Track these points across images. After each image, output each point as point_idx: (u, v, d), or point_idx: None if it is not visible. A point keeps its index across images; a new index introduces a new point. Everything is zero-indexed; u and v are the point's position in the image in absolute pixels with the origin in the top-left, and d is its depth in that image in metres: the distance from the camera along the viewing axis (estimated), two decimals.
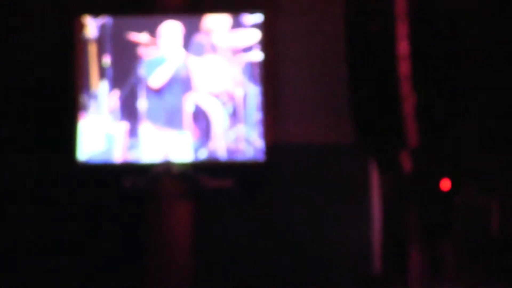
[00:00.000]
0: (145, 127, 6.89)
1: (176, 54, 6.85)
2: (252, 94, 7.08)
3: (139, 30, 7.13)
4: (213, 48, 7.06)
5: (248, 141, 7.01)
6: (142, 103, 6.92)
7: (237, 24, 7.11)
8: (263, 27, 6.93)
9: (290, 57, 7.08)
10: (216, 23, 7.02)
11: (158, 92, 6.87)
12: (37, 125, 6.90)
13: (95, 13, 6.87)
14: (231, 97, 7.06)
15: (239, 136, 7.02)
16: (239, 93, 7.04)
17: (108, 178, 6.76)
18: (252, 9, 6.89)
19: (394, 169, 5.56)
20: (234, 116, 7.07)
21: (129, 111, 7.11)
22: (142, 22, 7.10)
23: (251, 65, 7.06)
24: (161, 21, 6.97)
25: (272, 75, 6.95)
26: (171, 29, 6.88)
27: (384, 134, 5.44)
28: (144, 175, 6.68)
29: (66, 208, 6.82)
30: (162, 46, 6.86)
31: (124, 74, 7.14)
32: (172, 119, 6.90)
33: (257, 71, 7.05)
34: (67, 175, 6.81)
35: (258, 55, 7.01)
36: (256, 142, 6.96)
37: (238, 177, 6.78)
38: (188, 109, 6.89)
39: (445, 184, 6.01)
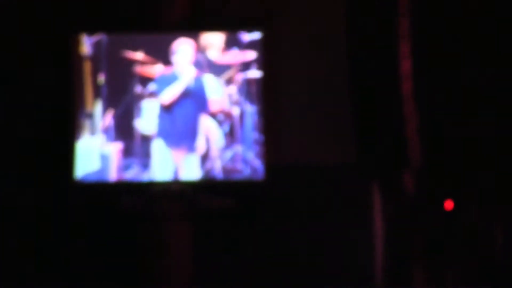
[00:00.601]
0: (156, 144, 6.83)
1: (187, 71, 6.86)
2: (249, 113, 6.97)
3: (135, 47, 7.04)
4: (209, 66, 6.98)
5: (245, 160, 6.90)
6: (151, 121, 6.81)
7: (233, 42, 7.00)
8: (262, 45, 6.89)
9: (289, 75, 7.03)
10: (211, 40, 6.93)
11: (169, 109, 6.83)
12: (33, 145, 6.83)
13: (92, 30, 6.78)
14: (228, 116, 6.98)
15: (235, 156, 6.93)
16: (235, 112, 6.94)
17: (105, 197, 6.68)
18: (250, 27, 6.82)
19: (397, 190, 5.66)
20: (231, 135, 6.98)
21: (124, 130, 6.99)
22: (139, 39, 7.00)
23: (248, 83, 6.98)
24: (161, 39, 6.91)
25: (271, 94, 6.91)
26: (183, 46, 6.86)
27: (387, 154, 5.57)
28: (142, 195, 6.62)
29: (62, 227, 6.74)
30: (174, 63, 6.86)
31: (119, 92, 7.03)
32: (184, 138, 6.85)
33: (254, 89, 6.97)
34: (64, 194, 6.75)
35: (255, 73, 6.93)
36: (253, 161, 6.86)
37: (238, 197, 6.74)
38: (201, 128, 6.78)
39: (449, 205, 5.83)
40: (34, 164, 6.64)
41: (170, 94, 6.71)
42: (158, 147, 6.70)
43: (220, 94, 6.91)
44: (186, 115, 6.77)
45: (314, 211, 6.62)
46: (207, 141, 6.82)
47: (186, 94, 6.75)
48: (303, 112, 6.86)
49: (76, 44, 6.73)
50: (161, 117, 6.74)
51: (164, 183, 6.67)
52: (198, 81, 6.76)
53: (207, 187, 6.66)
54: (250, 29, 6.71)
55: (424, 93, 5.48)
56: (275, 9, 6.67)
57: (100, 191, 6.61)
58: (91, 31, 6.72)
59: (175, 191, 6.58)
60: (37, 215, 6.55)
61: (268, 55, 6.75)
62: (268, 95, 6.80)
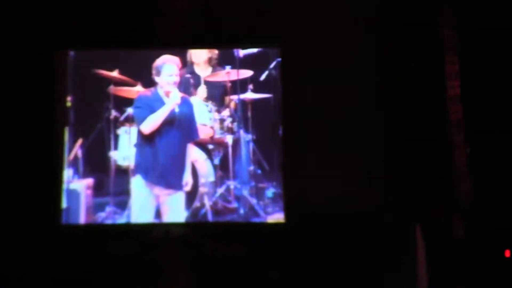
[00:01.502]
0: (135, 182, 6.27)
1: (173, 94, 6.30)
2: (244, 141, 6.58)
3: (109, 65, 6.55)
4: (198, 86, 6.62)
5: (239, 198, 6.52)
6: (128, 152, 6.37)
7: (226, 58, 6.64)
8: (280, 63, 6.48)
9: (312, 99, 6.59)
10: (201, 56, 6.61)
11: (151, 139, 6.25)
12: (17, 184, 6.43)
13: (70, 46, 6.44)
14: (219, 146, 6.58)
15: (228, 193, 6.53)
16: (228, 141, 6.55)
17: (91, 242, 6.30)
18: (268, 42, 6.43)
19: (443, 233, 5.37)
20: (223, 168, 6.54)
21: (95, 163, 6.53)
22: (114, 56, 6.54)
23: (243, 106, 6.58)
24: (141, 55, 6.42)
25: (290, 119, 6.46)
26: (168, 63, 6.31)
27: (431, 193, 5.26)
28: (135, 240, 6.15)
29: (47, 275, 6.34)
30: (158, 84, 6.24)
31: (90, 117, 6.56)
32: (168, 173, 6.26)
33: (250, 113, 6.56)
34: (48, 239, 6.37)
35: (251, 95, 6.59)
36: (250, 199, 6.48)
37: (252, 242, 6.23)
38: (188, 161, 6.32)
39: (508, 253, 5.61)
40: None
41: (152, 121, 6.16)
42: (136, 184, 6.25)
43: (210, 119, 6.54)
44: (170, 146, 6.26)
45: (348, 258, 6.21)
46: (194, 175, 6.42)
47: (171, 121, 6.23)
48: (329, 145, 6.51)
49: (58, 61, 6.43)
50: (140, 148, 6.25)
51: (163, 226, 6.19)
52: (184, 104, 6.27)
53: (213, 230, 6.30)
54: (267, 45, 6.43)
55: (474, 120, 5.28)
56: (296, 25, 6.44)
57: (82, 234, 6.31)
58: (70, 47, 6.45)
59: (176, 235, 6.12)
60: (16, 260, 6.29)
61: (286, 74, 6.44)
62: (287, 121, 6.40)
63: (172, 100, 6.22)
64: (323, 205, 6.34)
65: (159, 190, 6.25)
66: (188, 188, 6.27)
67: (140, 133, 6.24)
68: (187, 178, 6.28)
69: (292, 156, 6.44)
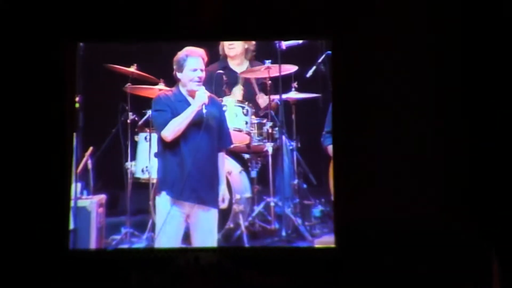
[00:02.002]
0: (159, 201, 6.00)
1: (199, 92, 5.99)
2: (287, 150, 6.53)
3: (126, 58, 6.46)
4: (232, 84, 6.63)
5: (281, 217, 6.38)
6: (148, 163, 6.34)
7: (266, 51, 6.61)
8: (330, 56, 6.29)
9: (366, 101, 6.33)
10: (237, 49, 6.66)
11: (175, 147, 5.98)
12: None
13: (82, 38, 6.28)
14: (257, 156, 6.56)
15: (267, 212, 6.43)
16: (268, 149, 6.47)
17: (103, 271, 6.08)
18: (316, 33, 6.27)
19: None
20: (261, 182, 6.50)
21: (108, 176, 6.47)
22: (129, 48, 6.49)
23: (286, 108, 6.51)
24: (165, 49, 6.19)
25: (341, 126, 6.22)
26: (192, 56, 6.01)
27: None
28: (159, 269, 5.83)
29: None
30: (183, 81, 5.98)
31: (102, 121, 6.46)
32: (199, 186, 5.99)
33: (295, 117, 6.48)
34: (53, 267, 6.14)
35: (296, 95, 6.51)
36: (294, 219, 6.37)
37: (296, 271, 5.97)
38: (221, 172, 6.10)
39: None
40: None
41: (174, 126, 5.90)
42: (161, 203, 5.99)
43: (247, 124, 6.48)
44: (199, 153, 5.95)
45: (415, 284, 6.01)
46: (228, 190, 6.20)
47: (197, 123, 5.95)
48: (388, 156, 6.29)
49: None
50: (162, 158, 6.00)
51: (190, 252, 5.87)
52: (213, 105, 6.04)
53: (248, 257, 6.13)
54: (315, 36, 6.35)
55: None
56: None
57: (93, 261, 6.16)
58: (82, 38, 6.30)
59: (206, 263, 5.75)
60: None
61: (337, 70, 6.21)
62: (338, 126, 6.19)
63: (198, 100, 5.88)
64: (381, 226, 6.17)
65: (189, 208, 5.90)
66: (225, 205, 6.03)
67: (161, 141, 5.92)
68: (224, 193, 6.01)
69: (343, 168, 6.21)
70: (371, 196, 6.22)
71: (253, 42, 6.64)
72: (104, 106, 6.51)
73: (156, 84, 6.38)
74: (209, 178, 5.93)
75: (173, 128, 5.85)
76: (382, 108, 6.31)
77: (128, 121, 6.40)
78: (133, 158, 6.42)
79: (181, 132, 5.86)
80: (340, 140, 6.23)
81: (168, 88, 6.23)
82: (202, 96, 5.87)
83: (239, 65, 6.66)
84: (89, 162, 6.44)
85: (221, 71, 6.51)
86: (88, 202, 6.35)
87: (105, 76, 6.47)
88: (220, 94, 6.45)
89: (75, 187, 6.28)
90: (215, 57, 6.64)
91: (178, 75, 5.91)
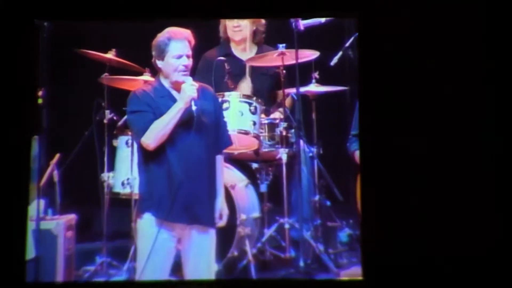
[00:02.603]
0: (142, 223, 5.48)
1: (186, 85, 5.43)
2: (305, 157, 6.18)
3: (102, 42, 6.25)
4: (238, 75, 6.29)
5: (297, 243, 6.01)
6: (122, 175, 6.05)
7: (280, 32, 6.20)
8: (357, 39, 5.87)
9: (403, 96, 5.83)
10: (243, 31, 6.31)
11: (160, 155, 5.45)
12: None
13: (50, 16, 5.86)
14: (268, 164, 6.20)
15: (281, 236, 6.04)
16: (282, 157, 6.08)
17: None
18: (343, 9, 5.82)
19: None
20: (273, 198, 6.16)
21: (79, 190, 6.22)
22: (106, 28, 6.22)
23: (305, 104, 6.15)
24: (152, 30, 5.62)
25: (371, 125, 5.75)
26: (175, 39, 5.50)
27: None
28: None
29: None
30: (165, 71, 5.44)
31: (71, 121, 6.32)
32: (192, 202, 5.45)
33: (315, 116, 6.16)
34: None
35: (317, 88, 6.17)
36: (314, 246, 5.97)
37: None
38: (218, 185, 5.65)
39: None
40: None
41: (157, 130, 5.41)
42: (145, 225, 5.50)
43: (255, 124, 6.15)
44: (190, 159, 5.46)
45: None
46: (231, 209, 5.77)
47: (187, 125, 5.47)
48: (431, 165, 5.80)
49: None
50: (144, 170, 5.52)
51: (182, 287, 5.65)
52: (206, 98, 5.55)
53: None
54: (341, 13, 5.97)
55: None
56: None
57: None
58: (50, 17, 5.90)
59: None
60: None
61: (365, 57, 5.74)
62: (366, 126, 5.74)
63: (184, 95, 5.35)
64: (420, 257, 5.79)
65: (180, 230, 5.38)
66: (223, 223, 5.51)
67: (142, 149, 5.42)
68: (222, 207, 5.48)
69: (373, 181, 5.72)
70: (408, 217, 5.87)
71: (263, 22, 6.41)
72: (75, 102, 6.40)
73: (140, 74, 6.10)
74: (205, 190, 5.41)
75: (156, 133, 5.33)
76: (422, 106, 5.89)
77: (105, 121, 6.16)
78: (111, 168, 6.18)
79: (167, 136, 5.30)
80: (368, 145, 5.84)
81: (145, 82, 5.87)
82: (190, 89, 5.31)
83: (245, 51, 6.36)
84: (55, 173, 6.13)
85: (222, 58, 6.20)
86: (53, 224, 6.02)
87: (76, 64, 6.29)
88: (221, 88, 6.14)
89: (37, 205, 5.97)
90: (210, 41, 6.43)
91: (159, 63, 5.36)
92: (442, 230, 6.14)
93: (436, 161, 6.06)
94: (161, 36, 5.45)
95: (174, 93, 5.48)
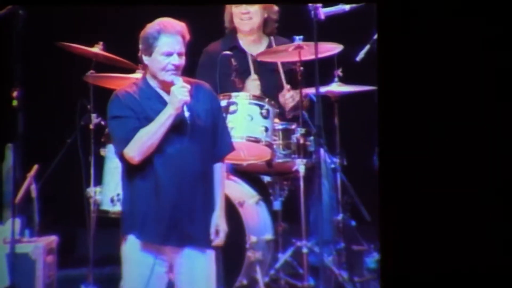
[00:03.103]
0: (127, 247, 4.93)
1: (176, 86, 4.88)
2: (326, 170, 5.79)
3: (87, 33, 5.93)
4: (245, 72, 5.86)
5: (318, 269, 5.48)
6: (111, 190, 5.61)
7: (297, 21, 5.74)
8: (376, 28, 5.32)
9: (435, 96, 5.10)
10: (253, 19, 5.83)
11: (146, 167, 4.90)
12: None
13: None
14: (281, 178, 5.79)
15: (297, 261, 5.60)
16: (299, 169, 5.65)
17: None
18: None
19: None
20: (289, 218, 5.78)
21: (62, 207, 6.24)
22: (91, 16, 6.19)
23: (326, 106, 5.75)
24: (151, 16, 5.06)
25: (392, 133, 5.12)
26: (166, 33, 4.96)
27: None
28: None
29: None
30: (152, 69, 4.91)
31: (51, 125, 6.28)
32: (183, 220, 4.90)
33: (342, 119, 5.93)
34: None
35: (341, 87, 5.87)
36: (336, 273, 5.61)
37: None
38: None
39: None
40: None
41: (142, 142, 4.88)
42: (129, 250, 4.93)
43: (267, 130, 5.66)
44: (184, 174, 4.88)
45: None
46: (239, 229, 5.53)
47: (178, 132, 4.90)
48: (463, 179, 5.00)
49: None
50: (128, 186, 5.00)
51: None
52: (201, 97, 4.98)
53: None
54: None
55: None
56: None
57: None
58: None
59: None
60: None
61: (388, 51, 5.02)
62: (388, 133, 5.07)
63: (175, 99, 4.82)
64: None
65: (171, 254, 4.84)
66: (219, 241, 4.90)
67: (125, 162, 4.95)
68: (219, 222, 4.91)
69: (394, 198, 5.07)
70: (435, 239, 5.02)
71: (276, 8, 6.04)
72: (55, 103, 6.30)
73: (132, 71, 5.69)
74: (199, 205, 4.86)
75: (141, 145, 4.82)
76: (452, 111, 5.10)
77: (91, 126, 5.75)
78: (98, 181, 5.77)
79: (154, 148, 4.81)
80: (387, 156, 5.09)
81: (129, 82, 5.33)
82: (180, 91, 4.78)
83: (255, 43, 5.98)
84: (33, 187, 5.85)
85: (228, 53, 5.76)
86: (31, 247, 5.70)
87: (56, 59, 6.10)
88: (227, 87, 5.69)
89: (12, 225, 5.47)
90: (213, 32, 6.11)
91: (145, 59, 4.84)
92: (475, 253, 5.99)
93: (468, 178, 5.22)
94: (150, 28, 4.94)
95: (162, 94, 4.98)
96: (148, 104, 4.95)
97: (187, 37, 4.98)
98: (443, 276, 5.23)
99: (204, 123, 4.99)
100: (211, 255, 4.99)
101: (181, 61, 4.93)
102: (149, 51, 4.94)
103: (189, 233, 4.93)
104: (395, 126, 5.50)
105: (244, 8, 6.04)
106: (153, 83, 4.99)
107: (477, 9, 5.45)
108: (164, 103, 4.96)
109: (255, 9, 6.06)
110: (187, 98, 4.89)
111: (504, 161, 5.50)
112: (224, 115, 5.82)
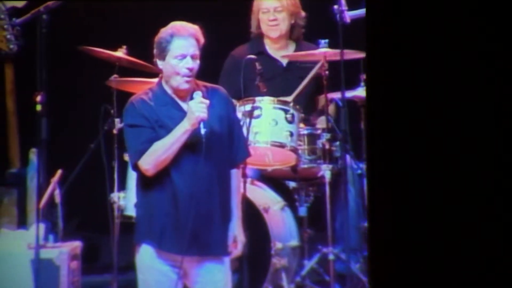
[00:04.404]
0: (141, 256, 4.96)
1: (195, 101, 4.81)
2: (353, 176, 5.79)
3: (111, 36, 6.16)
4: (271, 77, 5.84)
5: (344, 276, 5.61)
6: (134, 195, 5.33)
7: (323, 25, 5.86)
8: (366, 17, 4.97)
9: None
10: (281, 25, 5.81)
11: (162, 177, 4.91)
12: None
13: None
14: (309, 183, 5.78)
15: (324, 268, 5.62)
16: (325, 175, 5.64)
17: None
18: None
19: None
20: (315, 224, 5.83)
21: (86, 213, 6.38)
22: (113, 17, 6.38)
23: (352, 111, 5.73)
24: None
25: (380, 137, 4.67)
26: (179, 36, 4.91)
27: None
28: None
29: None
30: (167, 73, 4.85)
31: (74, 131, 6.36)
32: (201, 230, 4.90)
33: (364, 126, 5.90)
34: None
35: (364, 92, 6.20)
36: (358, 279, 5.55)
37: None
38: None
39: None
40: None
41: (158, 154, 4.85)
42: (144, 259, 4.95)
43: (292, 135, 5.66)
44: (200, 184, 4.81)
45: None
46: (263, 236, 5.53)
47: (194, 147, 4.84)
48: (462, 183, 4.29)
49: None
50: (142, 193, 5.02)
51: None
52: (216, 103, 4.88)
53: None
54: None
55: None
56: None
57: None
58: None
59: None
60: None
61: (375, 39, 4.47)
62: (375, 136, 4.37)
63: (192, 116, 4.74)
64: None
65: (189, 264, 4.83)
66: (237, 251, 4.91)
67: (140, 173, 5.00)
68: (237, 232, 4.90)
69: (384, 204, 4.66)
70: (423, 241, 5.06)
71: (303, 14, 5.95)
72: (79, 108, 6.40)
73: (156, 75, 5.40)
74: (219, 215, 4.84)
75: (155, 158, 4.77)
76: (449, 108, 5.13)
77: (115, 131, 5.76)
78: (122, 187, 5.85)
79: (169, 161, 4.79)
80: (377, 162, 5.16)
81: (145, 88, 5.40)
82: (198, 108, 4.69)
83: (282, 49, 5.98)
84: (57, 192, 5.72)
85: (252, 57, 5.68)
86: (55, 253, 5.64)
87: (80, 64, 6.18)
88: (251, 92, 5.70)
89: (36, 230, 5.45)
90: (238, 38, 6.17)
91: (159, 64, 4.81)
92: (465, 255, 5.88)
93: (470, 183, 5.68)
94: (163, 32, 4.87)
95: (178, 100, 4.94)
96: (163, 111, 4.89)
97: (201, 40, 4.91)
98: (433, 278, 5.66)
99: (220, 130, 4.94)
100: (227, 264, 4.96)
101: (194, 64, 4.85)
102: (163, 55, 4.87)
103: (208, 244, 4.89)
104: (385, 130, 5.73)
105: (272, 15, 5.99)
106: (168, 88, 4.92)
107: None
108: (179, 109, 4.89)
109: (282, 16, 6.01)
110: (204, 115, 4.81)
111: (496, 160, 5.65)
112: (247, 120, 5.74)
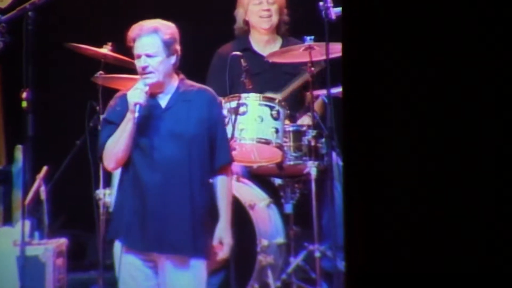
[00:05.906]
0: (115, 251, 4.98)
1: (131, 92, 4.85)
2: (339, 172, 5.70)
3: (97, 32, 6.20)
4: (256, 73, 5.84)
5: (331, 274, 5.62)
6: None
7: (307, 21, 5.97)
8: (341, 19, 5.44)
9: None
10: (268, 21, 5.84)
11: (132, 179, 4.93)
12: None
13: None
14: (294, 180, 5.78)
15: (310, 265, 5.63)
16: (311, 171, 5.66)
17: None
18: None
19: None
20: (301, 221, 5.79)
21: (72, 210, 6.32)
22: (99, 13, 6.43)
23: (338, 107, 5.65)
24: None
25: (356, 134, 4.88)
26: (144, 35, 4.91)
27: None
28: None
29: None
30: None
31: (60, 127, 6.36)
32: (168, 226, 4.88)
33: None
34: None
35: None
36: (343, 277, 5.56)
37: None
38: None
39: None
40: None
41: (111, 148, 4.84)
42: (117, 253, 4.95)
43: (277, 132, 5.65)
44: (169, 183, 4.86)
45: None
46: (250, 233, 5.54)
47: (157, 137, 4.86)
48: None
49: None
50: (119, 188, 5.02)
51: None
52: (201, 106, 4.92)
53: None
54: None
55: None
56: None
57: None
58: None
59: None
60: None
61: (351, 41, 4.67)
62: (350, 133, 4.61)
63: (131, 101, 4.76)
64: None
65: (160, 263, 4.84)
66: (223, 254, 4.84)
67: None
68: (222, 234, 4.79)
69: (360, 202, 4.95)
70: (403, 236, 5.16)
71: (286, 11, 5.99)
72: (65, 105, 6.42)
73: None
74: (189, 216, 4.79)
75: (109, 152, 4.83)
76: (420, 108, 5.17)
77: (100, 127, 5.79)
78: (108, 183, 5.91)
79: (125, 155, 4.76)
80: (353, 161, 5.22)
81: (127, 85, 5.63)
82: (132, 94, 4.73)
83: (268, 44, 5.99)
84: (43, 189, 5.90)
85: (238, 53, 5.69)
86: (41, 250, 5.76)
87: (66, 61, 6.22)
88: (237, 89, 5.70)
89: (22, 227, 5.48)
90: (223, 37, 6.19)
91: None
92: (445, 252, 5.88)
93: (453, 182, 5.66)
94: (133, 31, 4.86)
95: (150, 97, 4.95)
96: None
97: (165, 36, 4.87)
98: (410, 274, 5.66)
99: (197, 131, 4.88)
100: (199, 267, 4.86)
101: (151, 61, 4.80)
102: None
103: (172, 243, 4.86)
104: (357, 126, 5.77)
105: (265, 5, 5.99)
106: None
107: None
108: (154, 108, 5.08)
109: (275, 7, 6.03)
110: (138, 99, 4.78)
111: (476, 158, 5.66)
112: (233, 116, 5.70)
